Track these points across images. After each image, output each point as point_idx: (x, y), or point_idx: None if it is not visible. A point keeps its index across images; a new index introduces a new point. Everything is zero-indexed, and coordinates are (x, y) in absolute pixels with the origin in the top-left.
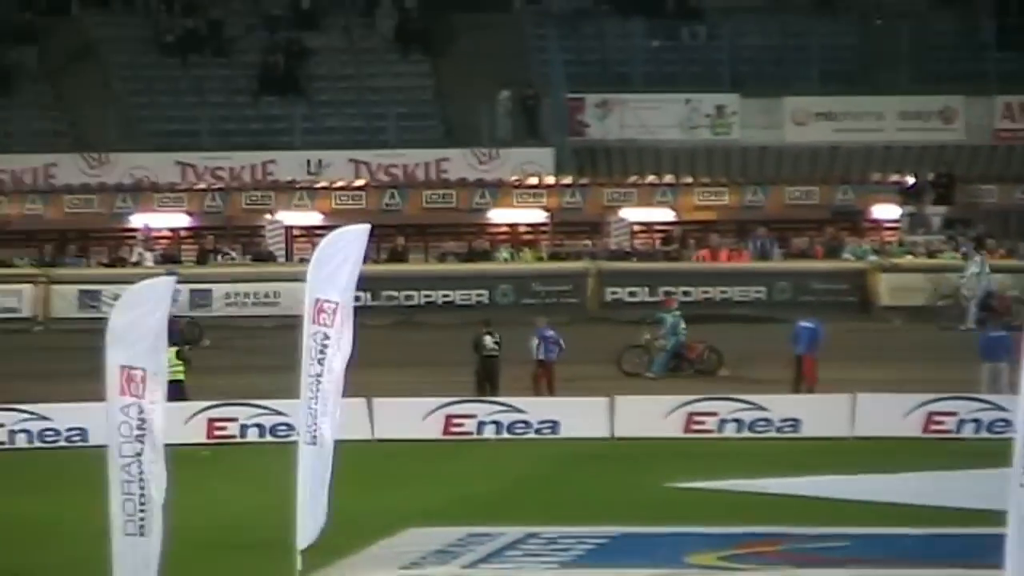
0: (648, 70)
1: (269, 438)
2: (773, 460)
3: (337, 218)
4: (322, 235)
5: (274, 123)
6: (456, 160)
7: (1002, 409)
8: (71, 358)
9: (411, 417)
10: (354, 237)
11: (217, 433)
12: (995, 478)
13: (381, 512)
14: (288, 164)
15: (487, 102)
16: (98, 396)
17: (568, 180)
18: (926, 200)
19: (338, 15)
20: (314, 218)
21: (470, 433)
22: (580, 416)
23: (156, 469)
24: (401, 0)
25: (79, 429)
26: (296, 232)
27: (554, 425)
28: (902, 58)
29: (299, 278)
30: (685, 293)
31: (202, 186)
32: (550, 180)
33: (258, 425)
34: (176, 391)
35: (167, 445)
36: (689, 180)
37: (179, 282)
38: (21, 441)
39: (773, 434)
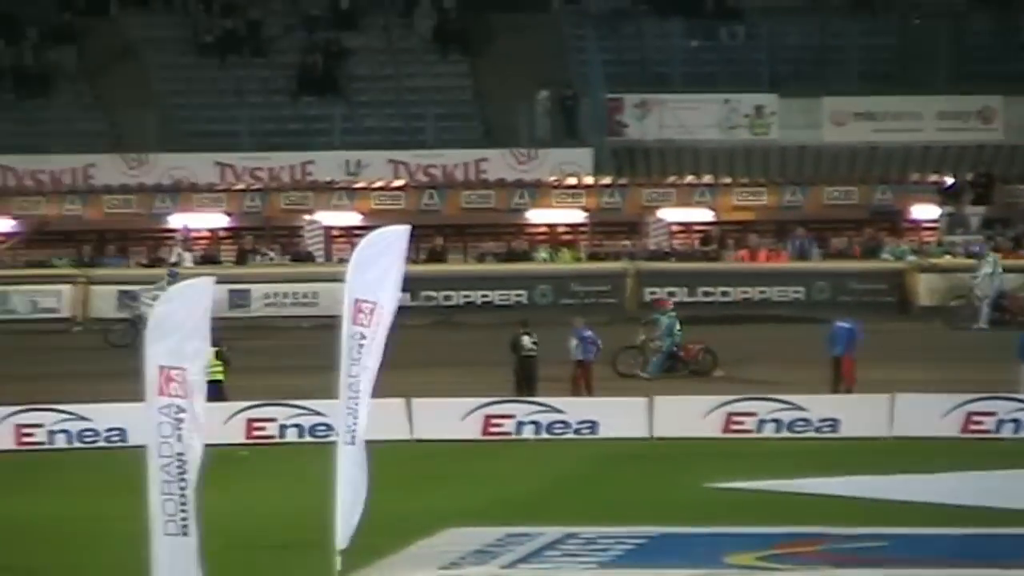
0: (687, 70)
1: (308, 438)
2: (812, 460)
3: (376, 218)
4: (361, 235)
5: (313, 123)
6: (495, 160)
7: None
8: (110, 358)
9: (450, 417)
10: (395, 238)
11: (256, 433)
12: None
13: (420, 512)
14: (327, 164)
15: (526, 102)
16: (137, 396)
17: (607, 180)
18: (965, 200)
19: (377, 15)
20: (353, 218)
21: (509, 433)
22: (619, 416)
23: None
24: (440, 0)
25: (118, 429)
26: (335, 232)
27: (593, 425)
28: (941, 58)
29: (338, 278)
30: (724, 293)
31: (241, 186)
32: (589, 180)
33: (297, 425)
34: (215, 391)
35: (206, 445)
36: (728, 180)
37: (218, 282)
38: (60, 441)
39: (812, 434)
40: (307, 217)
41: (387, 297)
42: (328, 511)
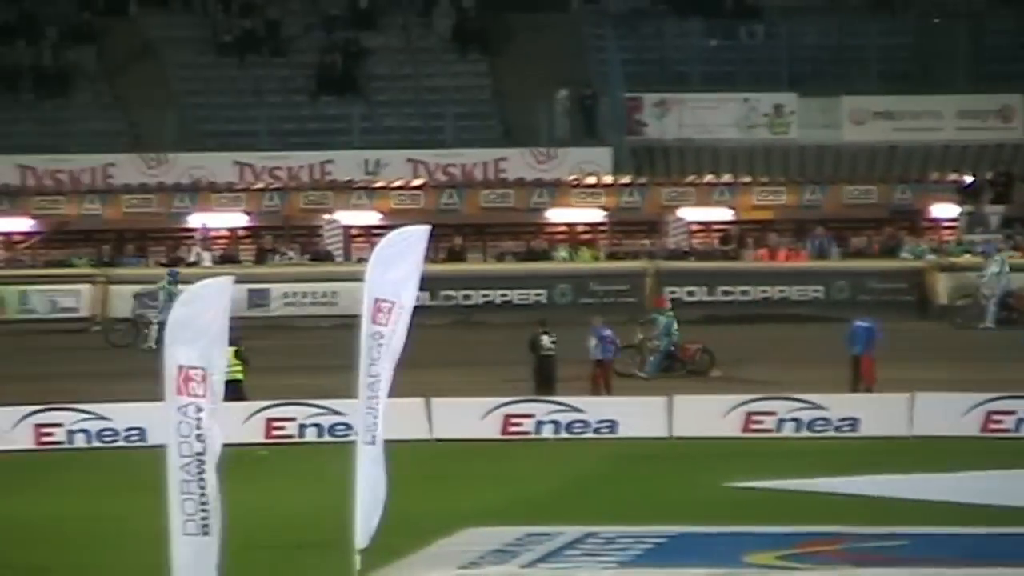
0: (706, 69)
1: (327, 438)
2: (832, 459)
3: (395, 218)
4: (380, 235)
5: (332, 123)
6: (514, 160)
7: None
8: (129, 357)
9: (469, 417)
10: (414, 237)
11: (275, 433)
12: None
13: (439, 512)
14: (346, 164)
15: (545, 102)
16: (157, 396)
17: (626, 179)
18: (984, 199)
19: (396, 15)
20: (372, 218)
21: (528, 433)
22: (638, 415)
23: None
24: (459, 0)
25: (138, 429)
26: (354, 232)
27: (612, 425)
28: (960, 57)
29: (357, 278)
30: (743, 292)
31: (260, 186)
32: (608, 179)
33: (316, 425)
34: (235, 391)
35: (225, 445)
36: (747, 179)
37: (237, 282)
38: (80, 441)
39: (832, 433)
40: (326, 216)
41: (406, 297)
42: (347, 511)
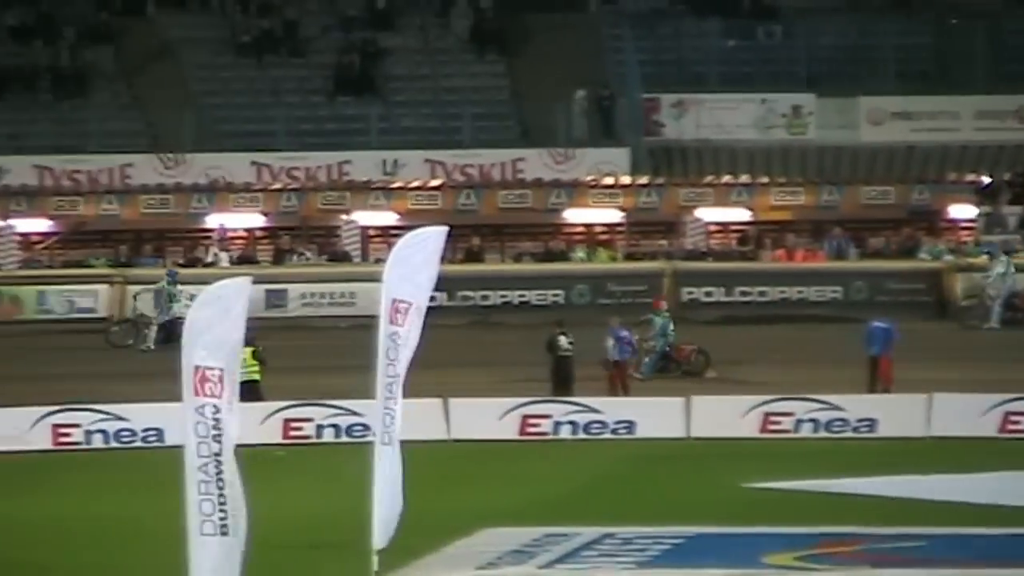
0: (724, 70)
1: (345, 438)
2: (849, 460)
3: (413, 218)
4: (398, 235)
5: (350, 123)
6: (532, 160)
7: None
8: (147, 358)
9: (487, 417)
10: (432, 238)
11: (293, 433)
12: None
13: (457, 512)
14: (364, 164)
15: (563, 102)
16: (174, 396)
17: (644, 180)
18: (1002, 200)
19: (413, 15)
20: (390, 218)
21: (546, 433)
22: (656, 416)
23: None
24: (476, 0)
25: (155, 429)
26: (372, 232)
27: (630, 425)
28: (978, 57)
29: (375, 278)
30: (761, 293)
31: (278, 186)
32: (626, 180)
33: (334, 425)
34: (252, 391)
35: (243, 445)
36: (765, 180)
37: (255, 282)
38: (97, 441)
39: (849, 434)
40: (344, 217)
41: (423, 297)
42: (365, 511)
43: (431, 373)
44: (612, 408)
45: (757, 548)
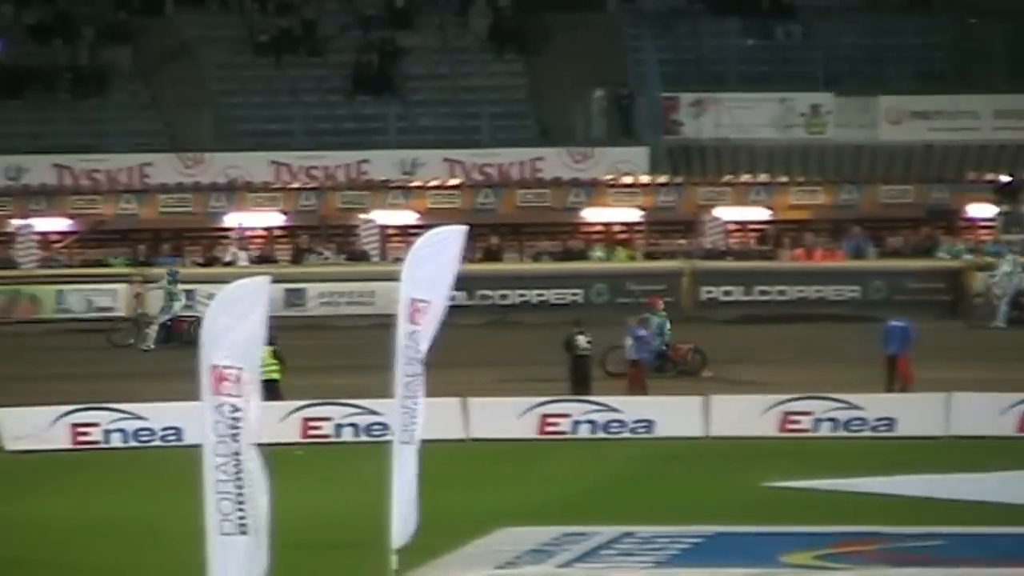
0: (742, 69)
1: (364, 437)
2: (868, 459)
3: (431, 217)
4: (416, 234)
5: (368, 122)
6: (550, 159)
7: None
8: (166, 357)
9: (506, 416)
10: (451, 237)
11: (312, 432)
12: None
13: (476, 511)
14: (382, 163)
15: (581, 101)
16: (193, 395)
17: (663, 179)
18: (1021, 199)
19: (432, 14)
20: (408, 217)
21: (565, 432)
22: (675, 415)
23: (253, 467)
24: (495, 0)
25: (174, 428)
26: (390, 231)
27: (649, 424)
28: (997, 57)
29: (394, 277)
30: (780, 292)
31: (296, 185)
32: (644, 179)
33: (353, 424)
34: (271, 390)
35: (261, 444)
36: (784, 179)
37: (273, 281)
38: (116, 441)
39: (868, 433)
40: (362, 216)
41: (442, 296)
42: (383, 510)
43: (450, 372)
44: (631, 407)
45: (776, 547)
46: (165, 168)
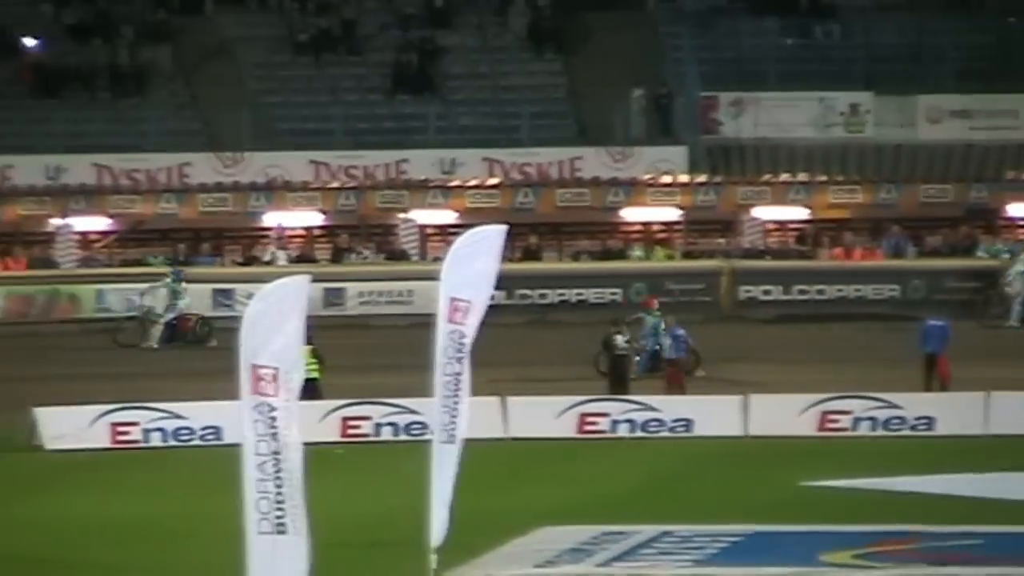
0: (782, 68)
1: (403, 436)
2: (907, 458)
3: (471, 217)
4: (456, 234)
5: (407, 122)
6: (589, 159)
7: None
8: (205, 356)
9: (545, 416)
10: (491, 237)
11: (351, 432)
12: None
13: (515, 510)
14: (421, 163)
15: (620, 101)
16: (232, 395)
17: (702, 178)
18: None
19: (471, 14)
20: (448, 217)
21: (604, 432)
22: (714, 414)
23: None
24: None
25: (213, 428)
26: (430, 231)
27: (688, 423)
28: None
29: (433, 277)
30: (819, 291)
31: (336, 185)
32: (684, 178)
33: (392, 424)
34: (311, 389)
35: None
36: (823, 178)
37: (313, 280)
38: (156, 440)
39: (907, 432)
40: (402, 215)
41: (482, 296)
42: (423, 509)
43: (489, 371)
44: (670, 406)
45: (814, 546)
46: (204, 167)
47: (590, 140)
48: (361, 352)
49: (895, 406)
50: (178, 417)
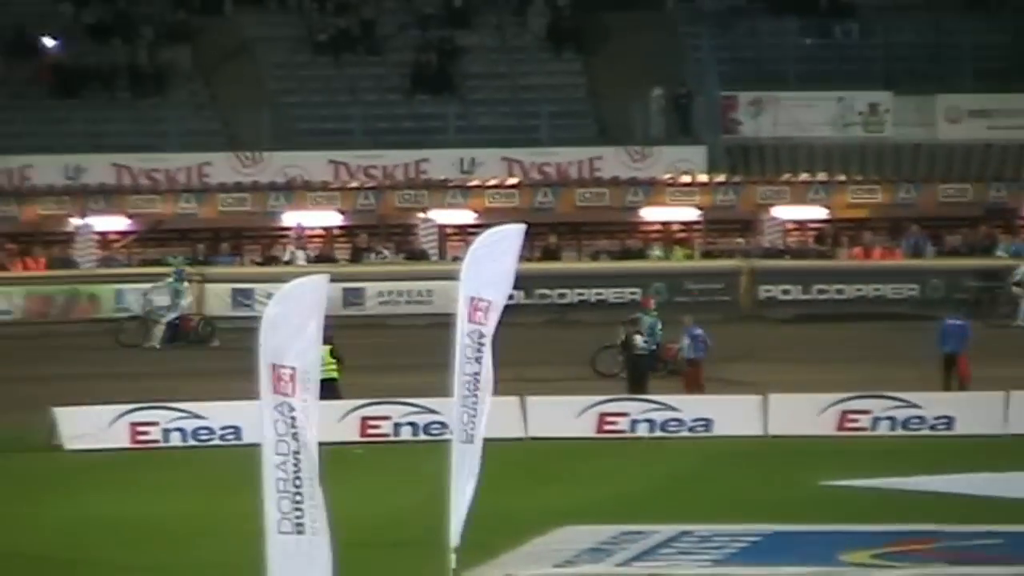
0: (801, 68)
1: (422, 436)
2: (927, 458)
3: (490, 216)
4: (475, 234)
5: (427, 121)
6: (609, 158)
7: None
8: (225, 356)
9: (564, 415)
10: (510, 236)
11: (370, 431)
12: None
13: (535, 510)
14: (441, 162)
15: (640, 100)
16: (252, 394)
17: (721, 178)
18: None
19: (490, 13)
20: (467, 216)
21: (623, 431)
22: (733, 414)
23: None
24: None
25: (233, 427)
26: (449, 230)
27: (707, 423)
28: None
29: (452, 276)
30: (838, 291)
31: (355, 184)
32: (703, 178)
33: (411, 423)
34: (330, 389)
35: (321, 443)
36: (842, 178)
37: (332, 280)
38: (175, 440)
39: (927, 432)
40: (421, 215)
41: (501, 295)
42: (442, 509)
43: (508, 371)
44: (689, 406)
45: (834, 546)
46: (224, 167)
47: (609, 140)
48: (380, 352)
49: (914, 406)
50: (198, 417)
